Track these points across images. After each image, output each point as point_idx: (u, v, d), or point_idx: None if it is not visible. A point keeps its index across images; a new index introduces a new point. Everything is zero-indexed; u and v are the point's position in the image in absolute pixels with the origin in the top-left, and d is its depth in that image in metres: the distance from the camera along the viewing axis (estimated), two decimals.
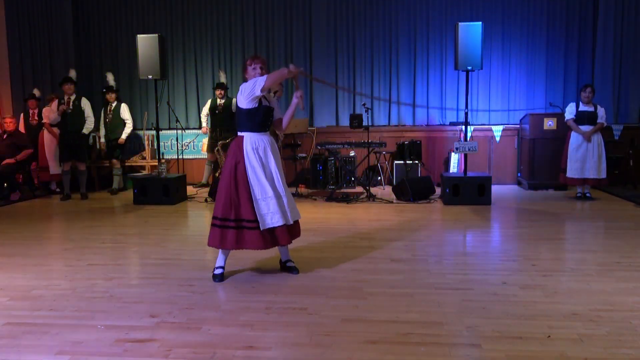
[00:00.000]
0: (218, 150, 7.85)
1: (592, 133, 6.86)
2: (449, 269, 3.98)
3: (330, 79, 9.08)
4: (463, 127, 7.29)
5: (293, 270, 3.88)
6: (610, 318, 2.95)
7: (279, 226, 3.66)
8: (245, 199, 3.62)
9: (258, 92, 3.59)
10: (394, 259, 4.23)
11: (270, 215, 3.62)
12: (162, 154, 8.37)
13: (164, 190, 7.16)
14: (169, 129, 9.20)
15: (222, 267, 3.80)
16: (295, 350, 2.62)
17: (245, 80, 3.77)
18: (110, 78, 8.47)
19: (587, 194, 7.10)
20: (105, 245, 4.89)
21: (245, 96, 3.63)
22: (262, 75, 3.68)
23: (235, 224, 3.63)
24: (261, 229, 3.61)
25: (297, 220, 3.86)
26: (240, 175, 3.64)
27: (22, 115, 8.69)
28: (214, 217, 3.69)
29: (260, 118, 3.71)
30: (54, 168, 8.15)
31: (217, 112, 8.36)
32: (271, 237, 3.68)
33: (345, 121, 8.99)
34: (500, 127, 8.74)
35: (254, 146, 3.68)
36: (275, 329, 2.88)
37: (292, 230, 3.81)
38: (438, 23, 8.90)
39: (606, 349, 2.57)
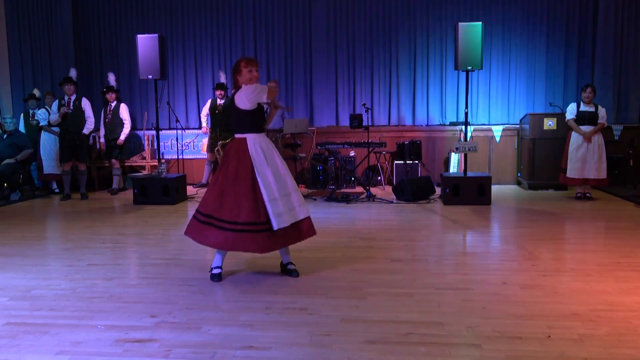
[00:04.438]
0: (218, 150, 7.82)
1: (592, 133, 6.85)
2: (449, 269, 3.98)
3: (330, 79, 9.12)
4: (463, 127, 7.29)
5: (293, 273, 3.84)
6: (610, 318, 2.95)
7: (286, 227, 3.65)
8: (251, 202, 3.57)
9: (264, 100, 3.67)
10: (394, 259, 4.23)
11: (279, 218, 3.59)
12: (162, 154, 8.36)
13: (164, 190, 7.16)
14: (169, 129, 9.20)
15: (220, 267, 3.79)
16: (295, 350, 2.62)
17: (236, 80, 3.77)
18: (112, 78, 8.47)
19: (587, 194, 7.10)
20: (105, 245, 4.89)
21: (249, 100, 3.63)
22: (257, 79, 3.73)
23: (231, 226, 3.58)
24: (275, 229, 3.58)
25: (309, 218, 3.81)
26: (243, 177, 3.61)
27: (22, 115, 8.69)
28: (198, 212, 3.71)
29: (261, 119, 3.78)
30: (48, 167, 8.15)
31: (217, 112, 8.37)
32: (275, 239, 3.65)
33: (345, 121, 8.99)
34: (500, 127, 8.73)
35: (260, 147, 3.67)
36: (275, 329, 2.88)
37: (301, 228, 3.76)
38: (438, 23, 8.89)
39: (606, 349, 2.57)
